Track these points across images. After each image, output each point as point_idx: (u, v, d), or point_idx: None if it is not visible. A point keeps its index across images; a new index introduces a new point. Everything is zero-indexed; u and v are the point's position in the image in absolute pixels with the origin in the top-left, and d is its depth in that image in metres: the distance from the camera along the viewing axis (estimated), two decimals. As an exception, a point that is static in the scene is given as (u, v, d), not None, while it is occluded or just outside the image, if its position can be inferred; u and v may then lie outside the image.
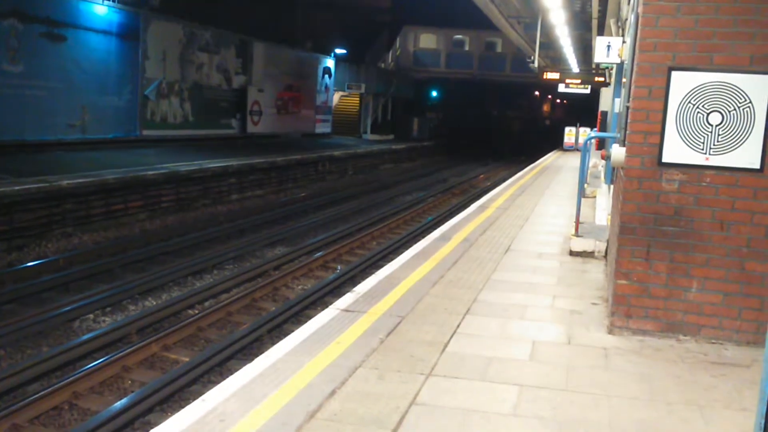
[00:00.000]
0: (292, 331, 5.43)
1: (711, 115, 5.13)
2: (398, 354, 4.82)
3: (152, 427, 3.70)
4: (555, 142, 38.86)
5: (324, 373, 4.40)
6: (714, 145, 5.14)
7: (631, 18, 7.54)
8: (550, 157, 30.09)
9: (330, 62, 36.32)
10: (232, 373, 4.57)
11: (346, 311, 5.73)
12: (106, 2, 19.18)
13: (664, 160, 5.20)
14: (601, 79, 26.08)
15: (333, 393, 4.13)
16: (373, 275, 7.03)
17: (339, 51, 36.91)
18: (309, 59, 33.94)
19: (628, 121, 5.41)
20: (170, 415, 4.14)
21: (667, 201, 5.22)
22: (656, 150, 5.21)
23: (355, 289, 6.47)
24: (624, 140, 5.70)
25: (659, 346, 5.21)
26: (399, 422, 3.80)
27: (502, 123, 58.40)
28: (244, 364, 4.65)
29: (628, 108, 5.66)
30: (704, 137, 5.15)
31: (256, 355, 5.20)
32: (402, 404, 4.02)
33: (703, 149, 5.15)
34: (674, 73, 5.14)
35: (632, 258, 5.32)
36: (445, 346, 5.03)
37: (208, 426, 3.65)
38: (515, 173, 22.40)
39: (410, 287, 6.57)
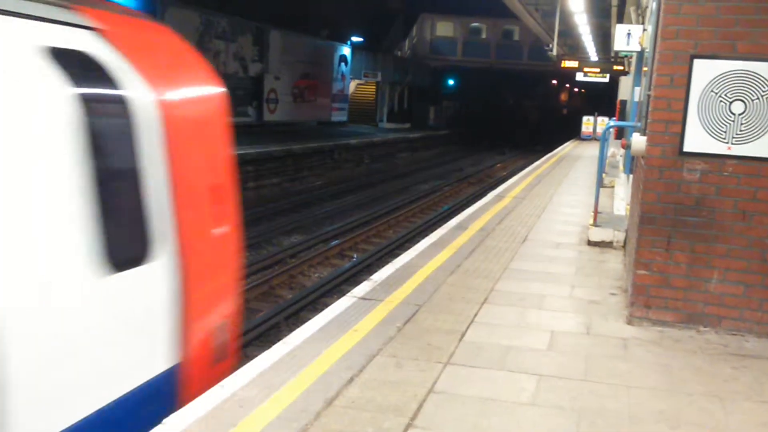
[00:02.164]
0: (309, 318, 5.44)
1: (734, 103, 5.06)
2: (416, 342, 4.82)
3: None
4: (572, 132, 38.59)
5: (342, 361, 4.41)
6: (736, 134, 5.07)
7: (653, 5, 7.45)
8: (568, 147, 29.90)
9: (346, 50, 36.25)
10: (249, 360, 4.59)
11: (364, 299, 5.74)
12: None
13: (686, 149, 5.15)
14: (621, 67, 25.84)
15: (351, 380, 4.14)
16: (390, 264, 7.03)
17: (355, 39, 36.84)
18: (325, 47, 33.91)
19: (649, 109, 5.35)
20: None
21: (689, 191, 5.16)
22: (678, 139, 5.15)
23: (372, 277, 6.47)
24: (645, 129, 5.64)
25: (679, 336, 5.17)
26: (417, 410, 3.80)
27: (519, 112, 58.07)
28: (262, 351, 4.68)
29: (649, 97, 5.59)
30: (727, 126, 5.08)
31: (274, 342, 5.22)
32: (420, 392, 4.02)
33: (725, 138, 5.09)
34: (696, 61, 5.07)
35: (652, 248, 5.27)
36: (463, 335, 5.02)
37: (228, 412, 3.67)
38: (532, 162, 22.27)
39: (427, 276, 6.56)
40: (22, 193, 2.96)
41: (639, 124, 6.99)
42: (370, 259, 11.37)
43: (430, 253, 7.49)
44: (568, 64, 29.00)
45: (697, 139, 5.12)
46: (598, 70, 29.69)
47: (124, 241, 3.57)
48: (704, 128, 5.10)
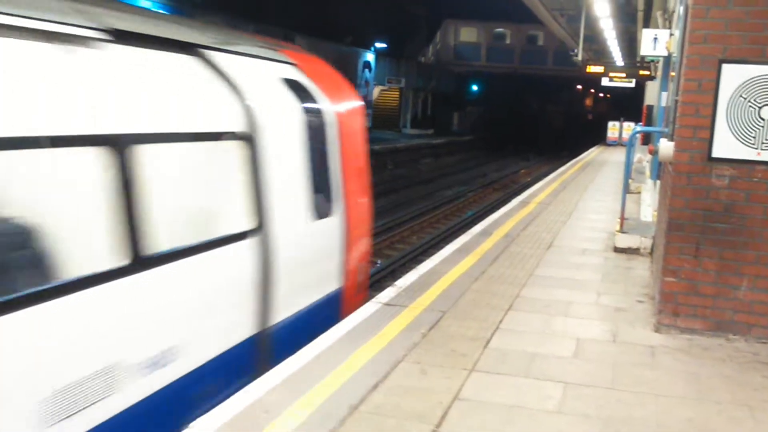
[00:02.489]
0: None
1: (763, 109, 4.99)
2: (440, 349, 4.81)
3: None
4: (598, 137, 38.31)
5: (366, 367, 4.42)
6: (766, 139, 5.00)
7: (680, 10, 7.39)
8: (593, 152, 29.69)
9: (370, 56, 36.38)
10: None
11: (388, 305, 5.74)
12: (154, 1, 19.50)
13: (714, 155, 5.08)
14: (647, 72, 25.62)
15: (376, 386, 4.14)
16: (414, 269, 7.03)
17: (379, 45, 36.95)
18: (349, 53, 34.05)
19: (677, 115, 5.30)
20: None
21: (717, 197, 5.10)
22: (706, 145, 5.09)
23: (396, 283, 6.47)
24: (672, 135, 5.59)
25: (708, 345, 5.11)
26: (442, 417, 3.79)
27: (544, 117, 57.77)
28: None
29: (676, 102, 5.54)
30: (756, 132, 5.01)
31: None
32: (445, 399, 4.01)
33: (754, 144, 5.02)
34: (725, 66, 5.01)
35: (680, 255, 5.21)
36: (488, 341, 5.00)
37: (253, 417, 3.69)
38: (557, 168, 22.13)
39: (452, 282, 6.55)
40: (299, 170, 5.21)
41: (666, 130, 6.93)
42: (394, 264, 11.38)
43: (454, 260, 7.47)
44: (593, 69, 28.81)
45: (725, 145, 5.05)
46: (623, 75, 29.45)
47: (321, 202, 5.52)
48: (733, 134, 5.04)
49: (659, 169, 9.57)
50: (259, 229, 4.62)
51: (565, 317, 5.69)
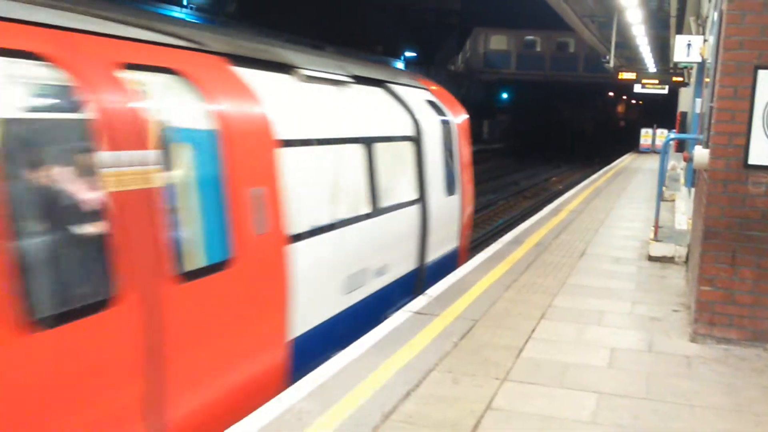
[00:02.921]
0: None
1: (801, 115, 4.90)
2: (472, 358, 4.79)
3: None
4: (630, 144, 37.88)
5: (398, 375, 4.42)
6: (805, 146, 4.90)
7: (714, 15, 7.29)
8: (626, 160, 29.37)
9: (400, 65, 36.44)
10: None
11: (419, 314, 5.74)
12: (183, 9, 19.80)
13: (751, 162, 5.00)
14: (680, 78, 25.28)
15: (407, 395, 4.14)
16: (445, 278, 7.01)
17: (409, 54, 37.02)
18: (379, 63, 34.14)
19: (712, 121, 5.23)
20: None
21: (754, 204, 5.02)
22: (742, 152, 5.01)
23: (427, 291, 6.46)
24: (707, 142, 5.51)
25: (745, 355, 5.01)
26: (475, 427, 3.78)
27: (575, 125, 57.30)
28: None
29: (711, 108, 5.47)
30: (794, 138, 4.92)
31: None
32: (477, 408, 3.99)
33: (792, 151, 4.92)
34: (761, 72, 4.94)
35: (716, 264, 5.13)
36: (520, 350, 4.97)
37: (286, 424, 3.71)
38: (589, 176, 21.93)
39: (483, 291, 6.52)
40: (440, 162, 7.91)
41: (701, 137, 6.83)
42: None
43: (485, 268, 7.44)
44: (625, 75, 28.49)
45: (762, 151, 4.97)
46: (656, 81, 29.07)
47: (449, 184, 8.17)
48: (770, 140, 4.95)
49: (694, 176, 9.45)
50: (421, 198, 7.34)
51: (599, 326, 5.63)
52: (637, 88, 29.18)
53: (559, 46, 49.50)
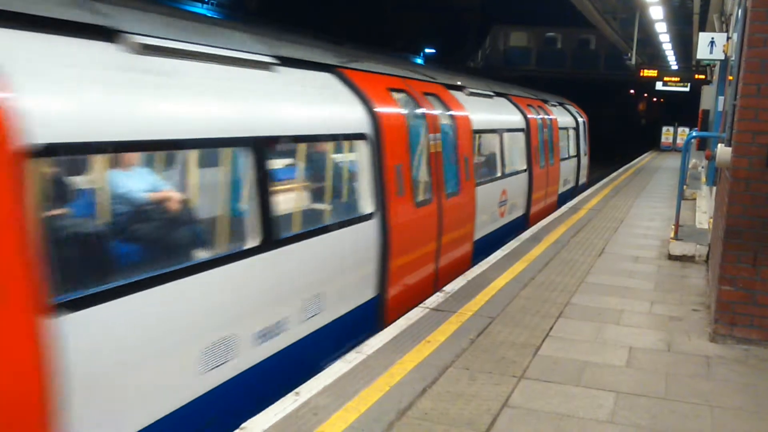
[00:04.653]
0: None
1: (827, 113, 4.82)
2: (489, 355, 4.77)
3: None
4: (651, 142, 37.51)
5: (415, 372, 4.41)
6: (830, 145, 4.82)
7: (738, 13, 7.20)
8: (646, 158, 29.10)
9: (419, 62, 36.35)
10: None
11: (436, 310, 5.72)
12: (204, 6, 19.89)
13: (774, 160, 4.93)
14: (702, 76, 24.99)
15: (424, 392, 4.13)
16: (463, 275, 6.99)
17: (428, 51, 36.92)
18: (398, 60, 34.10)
19: (735, 119, 5.16)
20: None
21: (777, 204, 4.94)
22: (765, 150, 4.93)
23: (444, 288, 6.45)
24: (730, 140, 5.44)
25: (765, 355, 4.95)
26: (491, 424, 3.76)
27: (595, 122, 56.76)
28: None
29: (734, 106, 5.39)
30: (819, 137, 4.84)
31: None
32: (494, 406, 3.98)
33: (817, 149, 4.84)
34: (786, 70, 4.86)
35: (738, 263, 5.07)
36: (537, 348, 4.94)
37: (303, 419, 3.72)
38: (609, 174, 21.76)
39: (500, 288, 6.50)
40: (583, 141, 17.59)
41: (724, 135, 6.75)
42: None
43: (503, 265, 7.41)
44: (647, 73, 28.23)
45: (786, 150, 4.89)
46: (678, 79, 28.80)
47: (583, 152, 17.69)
48: (794, 139, 4.88)
49: (716, 174, 9.33)
50: (577, 156, 16.58)
51: (618, 325, 5.59)
52: (659, 86, 28.92)
53: (580, 43, 49.06)
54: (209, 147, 4.37)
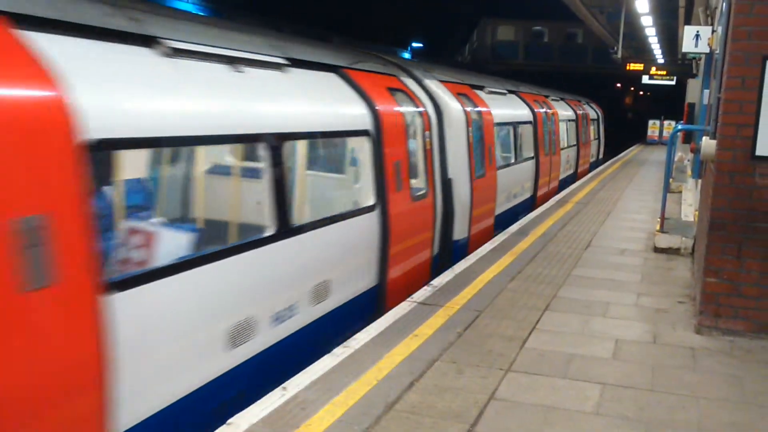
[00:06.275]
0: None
1: (810, 106, 4.85)
2: (476, 348, 4.79)
3: None
4: (637, 136, 37.69)
5: (402, 365, 4.42)
6: (813, 137, 4.86)
7: (723, 6, 7.23)
8: (633, 151, 29.22)
9: (406, 56, 36.32)
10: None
11: (423, 304, 5.73)
12: (191, 2, 19.76)
13: (758, 153, 4.96)
14: (688, 69, 25.11)
15: (411, 385, 4.14)
16: (450, 269, 7.01)
17: (416, 44, 36.89)
18: (385, 53, 34.07)
19: (720, 112, 5.19)
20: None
21: (761, 196, 4.98)
22: (750, 143, 4.97)
23: (431, 282, 6.46)
24: (715, 133, 5.47)
25: (750, 347, 5.00)
26: (478, 417, 3.78)
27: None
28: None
29: (719, 99, 5.43)
30: (802, 129, 4.88)
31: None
32: (481, 399, 3.99)
33: (801, 142, 4.88)
34: (770, 63, 4.89)
35: (722, 255, 5.11)
36: (525, 341, 4.97)
37: (290, 414, 3.72)
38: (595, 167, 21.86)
39: (488, 281, 6.52)
40: (602, 133, 24.57)
41: (709, 128, 6.79)
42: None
43: (490, 259, 7.43)
44: (633, 66, 28.34)
45: (770, 143, 4.93)
46: (664, 72, 28.93)
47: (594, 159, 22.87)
48: (778, 131, 4.91)
49: (701, 167, 9.40)
50: (598, 140, 23.73)
51: (604, 318, 5.62)
52: (645, 79, 29.04)
53: (567, 37, 49.18)
54: (235, 142, 4.86)
